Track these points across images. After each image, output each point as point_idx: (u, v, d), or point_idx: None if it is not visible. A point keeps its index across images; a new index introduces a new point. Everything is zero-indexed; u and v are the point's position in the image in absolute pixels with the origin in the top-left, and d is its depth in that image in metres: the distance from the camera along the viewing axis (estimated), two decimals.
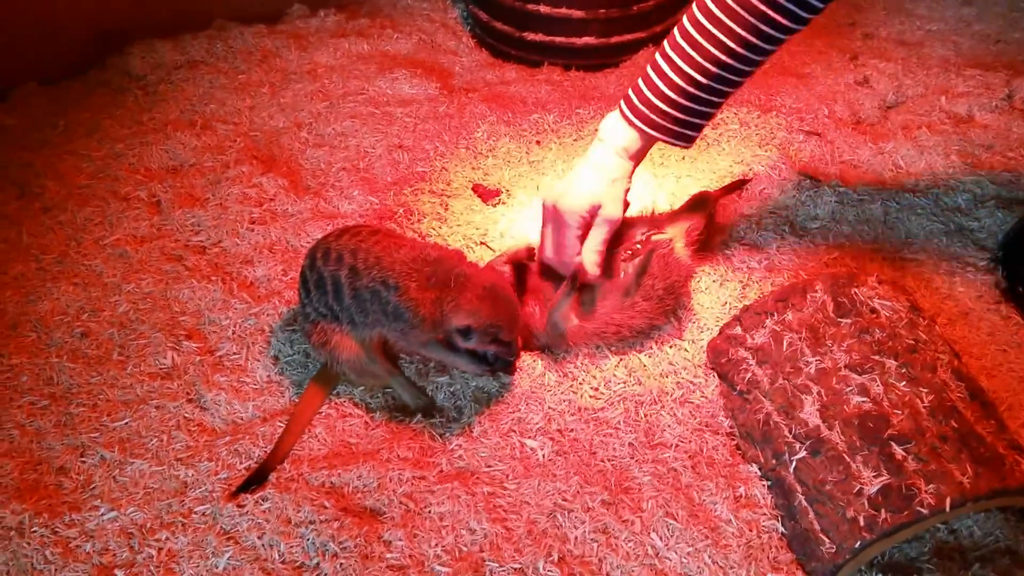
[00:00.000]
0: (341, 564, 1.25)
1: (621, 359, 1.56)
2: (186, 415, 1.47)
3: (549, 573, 1.25)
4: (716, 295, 1.68)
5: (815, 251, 1.78)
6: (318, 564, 1.25)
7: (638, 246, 1.59)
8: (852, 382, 1.30)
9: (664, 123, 1.45)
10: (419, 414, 1.48)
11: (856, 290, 1.43)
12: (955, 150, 2.02)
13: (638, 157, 1.52)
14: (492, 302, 1.42)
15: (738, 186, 1.94)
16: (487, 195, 1.95)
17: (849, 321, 1.39)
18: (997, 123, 2.10)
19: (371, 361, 1.46)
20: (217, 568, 1.25)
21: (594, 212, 1.50)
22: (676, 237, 1.61)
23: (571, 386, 1.52)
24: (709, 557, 1.26)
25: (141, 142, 2.07)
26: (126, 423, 1.46)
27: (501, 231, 1.84)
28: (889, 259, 1.76)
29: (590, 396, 1.51)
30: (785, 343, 1.40)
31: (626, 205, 1.54)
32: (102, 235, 1.82)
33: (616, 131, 1.50)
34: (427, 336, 1.42)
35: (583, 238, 1.52)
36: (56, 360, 1.56)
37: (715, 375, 1.52)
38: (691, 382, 1.52)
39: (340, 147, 2.08)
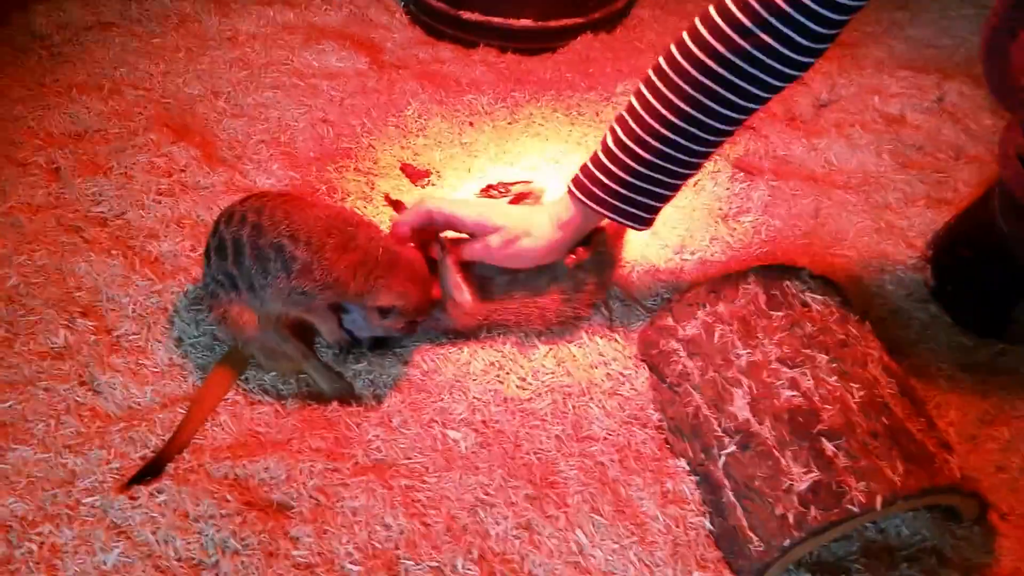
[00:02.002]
0: (243, 562, 1.16)
1: (551, 348, 1.51)
2: (77, 399, 1.36)
3: (468, 572, 1.18)
4: (648, 285, 1.64)
5: (747, 244, 1.75)
6: (217, 562, 1.16)
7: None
8: (783, 376, 1.27)
9: (608, 199, 1.34)
10: (335, 401, 1.40)
11: (788, 283, 1.41)
12: (887, 149, 2.02)
13: (569, 230, 1.41)
14: (420, 285, 1.36)
15: None
16: (416, 175, 1.87)
17: (781, 314, 1.36)
18: (928, 124, 2.11)
19: (283, 340, 1.36)
20: (105, 565, 1.15)
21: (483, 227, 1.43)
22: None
23: (497, 375, 1.46)
24: (635, 555, 1.21)
25: (42, 105, 1.92)
26: (10, 406, 1.34)
27: None
28: (820, 255, 1.75)
29: (517, 386, 1.45)
30: (716, 335, 1.37)
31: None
32: None
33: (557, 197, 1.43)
34: (329, 299, 1.33)
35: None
36: None
37: (645, 367, 1.48)
38: (621, 374, 1.48)
39: (259, 118, 1.96)
